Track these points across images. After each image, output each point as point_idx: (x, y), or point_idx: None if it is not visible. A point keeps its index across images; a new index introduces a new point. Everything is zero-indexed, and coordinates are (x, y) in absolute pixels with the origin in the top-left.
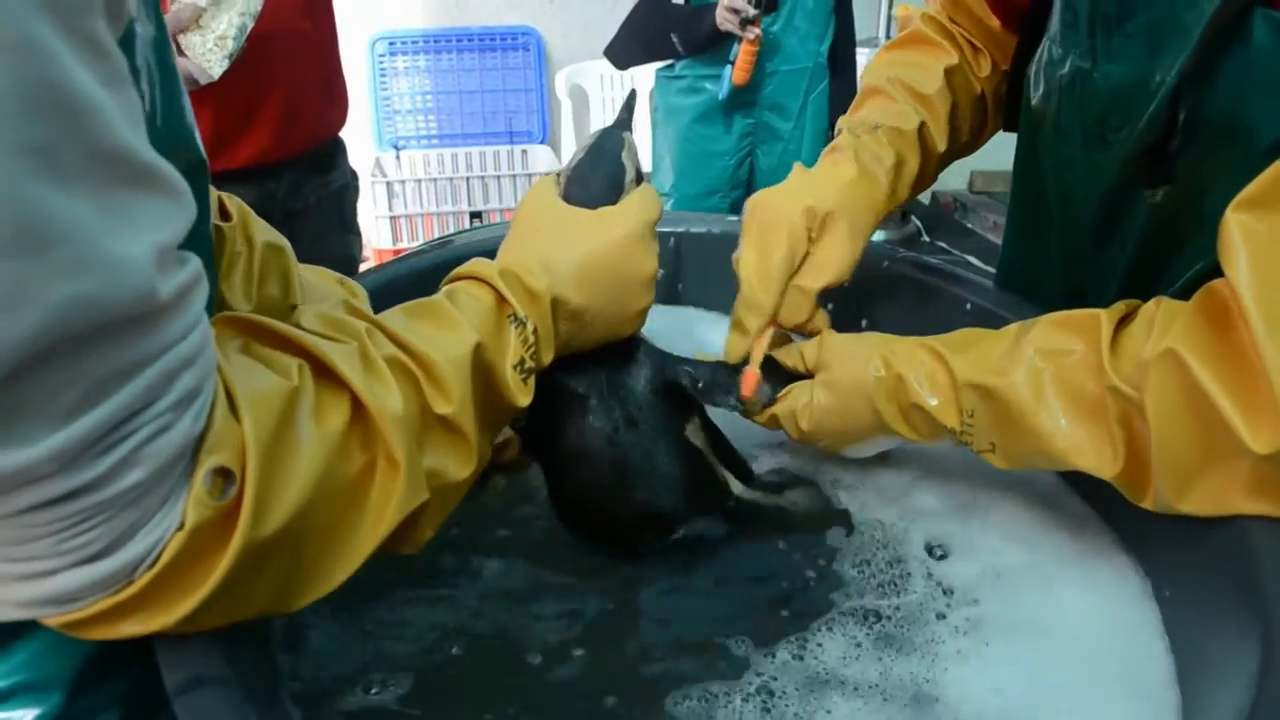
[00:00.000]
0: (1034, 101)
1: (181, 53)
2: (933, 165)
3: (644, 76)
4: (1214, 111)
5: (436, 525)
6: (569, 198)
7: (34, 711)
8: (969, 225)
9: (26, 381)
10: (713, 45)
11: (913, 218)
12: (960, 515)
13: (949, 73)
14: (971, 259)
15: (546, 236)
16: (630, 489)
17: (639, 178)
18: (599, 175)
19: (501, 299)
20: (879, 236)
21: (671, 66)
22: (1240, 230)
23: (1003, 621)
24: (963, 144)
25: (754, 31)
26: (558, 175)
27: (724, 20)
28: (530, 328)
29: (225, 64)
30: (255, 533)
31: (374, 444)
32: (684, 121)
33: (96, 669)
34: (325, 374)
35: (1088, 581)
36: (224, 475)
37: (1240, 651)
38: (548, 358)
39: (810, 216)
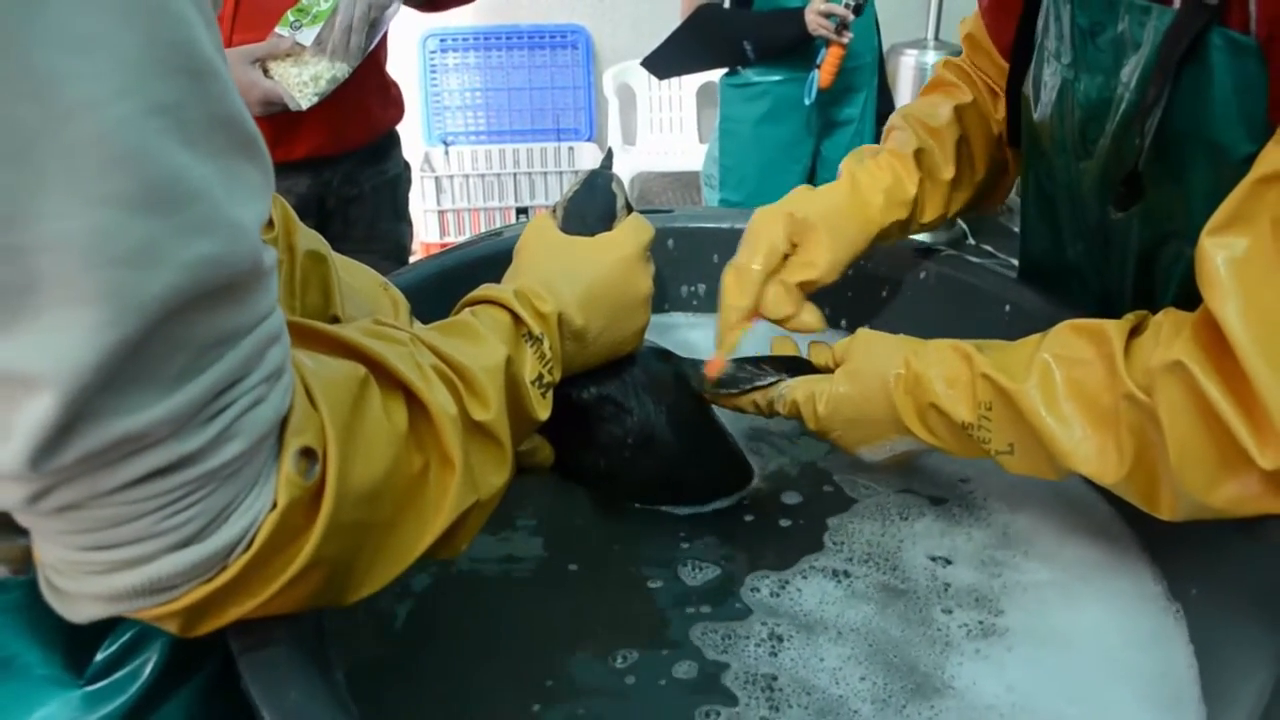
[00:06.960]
0: (1034, 113)
1: (268, 75)
2: (941, 191)
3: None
4: (1179, 131)
5: (474, 533)
6: (566, 230)
7: (155, 655)
8: (1014, 229)
9: (152, 343)
10: (793, 50)
11: (959, 221)
12: (986, 523)
13: (959, 109)
14: (1016, 262)
15: (549, 263)
16: (695, 457)
17: (629, 207)
18: (593, 208)
19: (517, 319)
20: (924, 239)
21: (735, 74)
22: (1216, 256)
23: (1017, 600)
24: (981, 180)
25: (848, 35)
26: (553, 211)
27: (817, 25)
28: (546, 345)
29: (314, 100)
30: (339, 514)
31: (428, 446)
32: (766, 129)
33: None
34: (382, 376)
35: (1111, 591)
36: (309, 456)
37: (1264, 662)
38: (558, 375)
39: (790, 221)
